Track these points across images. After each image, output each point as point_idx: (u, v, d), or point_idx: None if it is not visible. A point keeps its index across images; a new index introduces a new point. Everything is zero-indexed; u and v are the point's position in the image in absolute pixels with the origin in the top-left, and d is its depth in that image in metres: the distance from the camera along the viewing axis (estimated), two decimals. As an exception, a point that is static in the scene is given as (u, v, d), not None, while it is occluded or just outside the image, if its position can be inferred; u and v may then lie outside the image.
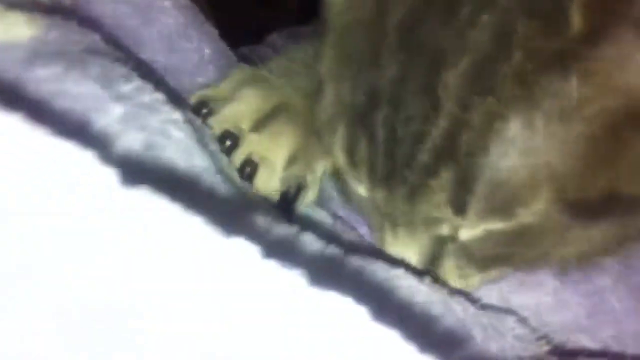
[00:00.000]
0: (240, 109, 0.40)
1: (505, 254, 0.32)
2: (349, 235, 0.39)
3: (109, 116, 0.25)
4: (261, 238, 0.17)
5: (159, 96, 0.30)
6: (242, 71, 0.44)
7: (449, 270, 0.34)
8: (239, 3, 0.77)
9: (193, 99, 0.41)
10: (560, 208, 0.29)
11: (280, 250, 0.16)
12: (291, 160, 0.39)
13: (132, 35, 0.43)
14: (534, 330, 0.33)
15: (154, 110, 0.29)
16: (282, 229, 0.24)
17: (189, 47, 0.45)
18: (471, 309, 0.31)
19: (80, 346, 0.15)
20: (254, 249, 0.16)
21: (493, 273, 0.34)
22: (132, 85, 0.29)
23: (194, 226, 0.16)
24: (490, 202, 0.29)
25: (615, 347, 0.33)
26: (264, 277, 0.16)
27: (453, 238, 0.32)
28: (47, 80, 0.25)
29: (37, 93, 0.23)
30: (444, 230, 0.32)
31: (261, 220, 0.24)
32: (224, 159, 0.38)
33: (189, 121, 0.32)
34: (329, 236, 0.36)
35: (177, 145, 0.30)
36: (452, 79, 0.28)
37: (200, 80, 0.45)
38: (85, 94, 0.25)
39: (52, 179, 0.16)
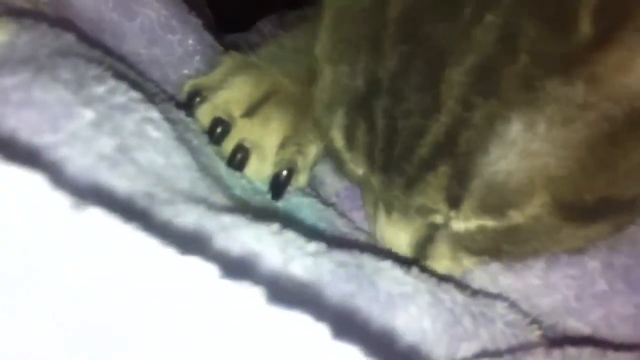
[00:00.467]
0: (231, 95, 0.39)
1: (495, 248, 0.32)
2: (339, 224, 0.38)
3: (78, 122, 0.24)
4: (219, 257, 0.16)
5: (135, 95, 0.29)
6: (233, 59, 0.43)
7: (442, 252, 0.33)
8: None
9: (186, 88, 0.40)
10: (554, 211, 0.28)
11: (239, 269, 0.15)
12: (282, 145, 0.39)
13: (113, 29, 0.41)
14: (525, 315, 0.32)
15: (128, 110, 0.28)
16: (245, 244, 0.24)
17: (172, 39, 0.43)
18: (460, 297, 0.30)
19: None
20: (211, 268, 0.15)
21: (485, 258, 0.34)
22: (106, 86, 0.28)
23: (149, 247, 0.16)
24: (484, 201, 0.29)
25: (604, 329, 0.32)
26: (221, 296, 0.15)
27: (446, 226, 0.32)
28: (15, 89, 0.24)
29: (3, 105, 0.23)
30: (438, 219, 0.32)
31: (221, 239, 0.23)
32: (211, 150, 0.37)
33: (167, 118, 0.31)
34: (314, 232, 0.36)
35: (155, 144, 0.29)
36: (456, 77, 0.27)
37: (186, 72, 0.44)
38: (53, 100, 0.24)
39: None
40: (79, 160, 0.23)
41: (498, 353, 0.29)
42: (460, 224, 0.31)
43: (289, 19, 0.60)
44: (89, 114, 0.25)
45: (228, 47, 0.48)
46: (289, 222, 0.36)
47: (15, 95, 0.24)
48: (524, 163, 0.27)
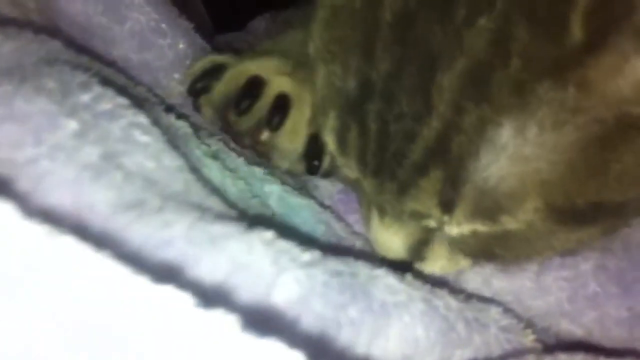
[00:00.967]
0: (262, 63, 0.40)
1: (489, 252, 0.31)
2: (337, 227, 0.37)
3: (61, 133, 0.23)
4: (197, 283, 0.15)
5: (122, 101, 0.28)
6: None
7: (439, 253, 0.33)
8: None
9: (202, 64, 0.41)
10: (546, 216, 0.28)
11: (219, 294, 0.14)
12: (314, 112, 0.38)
13: (102, 34, 0.40)
14: (519, 319, 0.31)
15: (115, 116, 0.27)
16: (235, 257, 0.22)
17: (162, 43, 0.42)
18: (454, 303, 0.29)
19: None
20: (185, 297, 0.14)
21: (480, 261, 0.33)
22: (91, 94, 0.26)
23: (121, 276, 0.14)
24: (476, 206, 0.28)
25: (598, 332, 0.31)
26: (194, 326, 0.14)
27: (440, 230, 0.31)
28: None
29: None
30: (431, 223, 0.31)
31: (208, 256, 0.22)
32: (201, 154, 0.36)
33: (157, 123, 0.30)
34: (311, 236, 0.35)
35: (144, 149, 0.27)
36: (447, 81, 0.26)
37: (177, 76, 0.43)
38: (36, 112, 0.23)
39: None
40: (61, 173, 0.22)
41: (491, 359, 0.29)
42: (454, 229, 0.30)
43: (284, 18, 0.59)
44: (72, 124, 0.24)
45: (221, 47, 0.47)
46: (285, 226, 0.36)
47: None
48: (516, 168, 0.26)
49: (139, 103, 0.31)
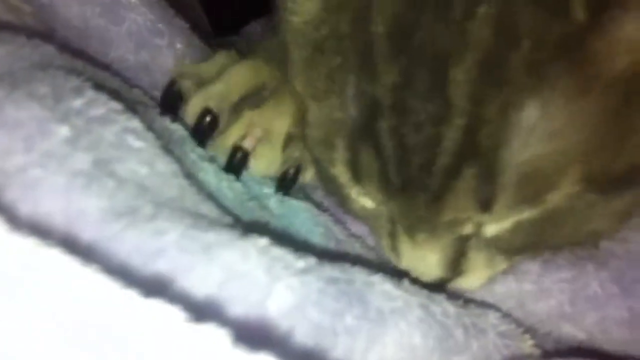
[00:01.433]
0: (229, 84, 0.37)
1: (533, 242, 0.31)
2: (335, 230, 0.37)
3: (52, 140, 0.23)
4: (188, 296, 0.14)
5: (115, 105, 0.27)
6: (227, 55, 0.42)
7: (476, 264, 0.32)
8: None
9: (172, 73, 0.38)
10: (587, 186, 0.28)
11: (211, 307, 0.14)
12: (288, 140, 0.37)
13: (99, 36, 0.40)
14: (518, 324, 0.31)
15: (108, 122, 0.26)
16: (228, 266, 0.22)
17: (160, 43, 0.42)
18: (451, 309, 0.29)
19: None
20: (175, 311, 0.14)
21: (519, 258, 0.33)
22: (84, 98, 0.26)
23: (109, 290, 0.14)
24: (519, 193, 0.27)
25: (599, 334, 0.31)
26: (185, 340, 0.14)
27: (477, 235, 0.31)
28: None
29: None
30: (467, 229, 0.30)
31: (201, 266, 0.21)
32: (197, 158, 0.35)
33: (151, 127, 0.30)
34: (309, 240, 0.35)
35: (137, 154, 0.27)
36: (462, 75, 0.26)
37: (175, 76, 0.43)
38: (27, 118, 0.23)
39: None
40: (52, 181, 0.21)
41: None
42: (493, 227, 0.30)
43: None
44: (64, 131, 0.23)
45: (217, 50, 0.46)
46: (283, 229, 0.35)
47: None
48: (549, 145, 0.26)
49: (133, 107, 0.31)
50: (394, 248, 0.32)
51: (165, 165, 0.29)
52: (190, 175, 0.32)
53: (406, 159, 0.28)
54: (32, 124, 0.23)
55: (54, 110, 0.24)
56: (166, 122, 0.35)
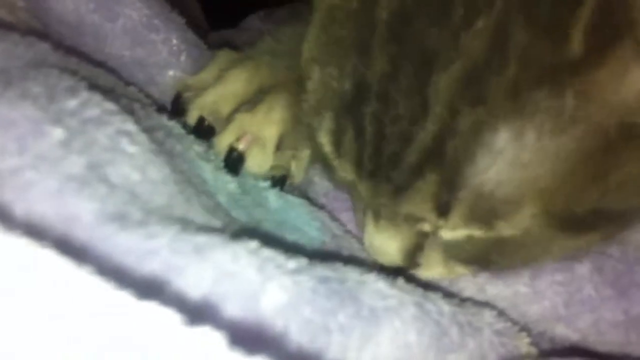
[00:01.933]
0: (223, 92, 0.38)
1: (485, 259, 0.31)
2: (332, 225, 0.37)
3: (46, 141, 0.23)
4: (183, 298, 0.14)
5: (109, 106, 0.28)
6: (226, 55, 0.42)
7: (433, 260, 0.32)
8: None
9: (177, 88, 0.39)
10: (544, 222, 0.27)
11: (206, 308, 0.14)
12: (280, 144, 0.38)
13: (94, 32, 0.40)
14: (513, 323, 0.31)
15: (102, 123, 0.26)
16: (220, 266, 0.22)
17: (156, 39, 0.42)
18: (447, 307, 0.29)
19: None
20: (170, 313, 0.14)
21: (475, 268, 0.33)
22: (78, 99, 0.26)
23: (105, 292, 0.14)
24: (472, 211, 0.27)
25: (593, 336, 0.31)
26: (180, 343, 0.14)
27: (435, 235, 0.31)
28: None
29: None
30: (426, 227, 0.30)
31: (193, 265, 0.22)
32: (194, 155, 0.35)
33: (146, 128, 0.30)
34: (298, 247, 0.35)
35: (130, 159, 0.27)
36: (443, 82, 0.26)
37: (171, 73, 0.42)
38: (20, 118, 0.23)
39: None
40: (45, 184, 0.21)
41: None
42: (448, 233, 0.30)
43: (278, 15, 0.58)
44: (57, 132, 0.24)
45: (215, 45, 0.46)
46: (279, 223, 0.36)
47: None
48: (513, 173, 0.26)
49: (128, 106, 0.31)
50: (363, 225, 0.33)
51: (156, 172, 0.28)
52: (186, 172, 0.32)
53: (380, 148, 0.28)
54: (25, 124, 0.23)
55: (47, 110, 0.24)
56: (163, 120, 0.35)
